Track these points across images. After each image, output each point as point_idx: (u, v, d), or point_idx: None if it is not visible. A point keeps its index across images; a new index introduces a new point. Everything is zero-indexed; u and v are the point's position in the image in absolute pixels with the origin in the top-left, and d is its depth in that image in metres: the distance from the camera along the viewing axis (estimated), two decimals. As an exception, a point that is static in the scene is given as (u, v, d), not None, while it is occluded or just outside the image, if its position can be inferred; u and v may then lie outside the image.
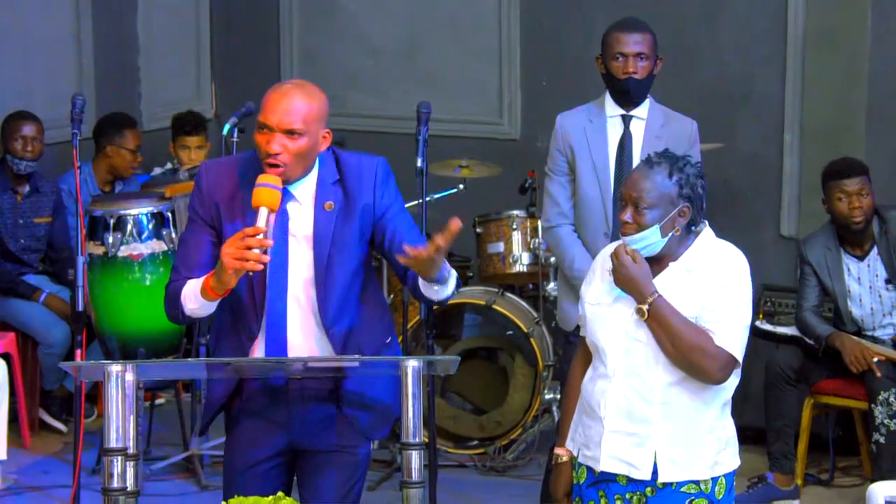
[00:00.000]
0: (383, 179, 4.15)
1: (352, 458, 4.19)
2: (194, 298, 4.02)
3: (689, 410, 3.98)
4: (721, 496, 4.03)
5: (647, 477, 3.97)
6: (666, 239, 3.99)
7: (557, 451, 4.21)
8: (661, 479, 3.96)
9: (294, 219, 4.09)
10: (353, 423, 4.17)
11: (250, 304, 4.08)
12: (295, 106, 3.97)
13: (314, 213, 4.09)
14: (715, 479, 4.02)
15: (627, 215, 3.98)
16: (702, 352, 3.92)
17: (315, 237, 4.08)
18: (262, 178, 3.96)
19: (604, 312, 4.05)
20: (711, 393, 4.01)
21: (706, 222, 4.09)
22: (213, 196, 4.08)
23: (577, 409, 4.14)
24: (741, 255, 4.05)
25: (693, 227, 4.04)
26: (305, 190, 4.10)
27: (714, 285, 3.96)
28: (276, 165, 3.97)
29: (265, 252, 3.90)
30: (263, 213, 3.93)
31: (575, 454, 4.12)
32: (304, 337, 4.11)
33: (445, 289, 4.05)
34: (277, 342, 4.10)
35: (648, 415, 3.96)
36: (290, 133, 3.97)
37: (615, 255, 3.99)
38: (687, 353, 3.92)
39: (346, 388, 4.15)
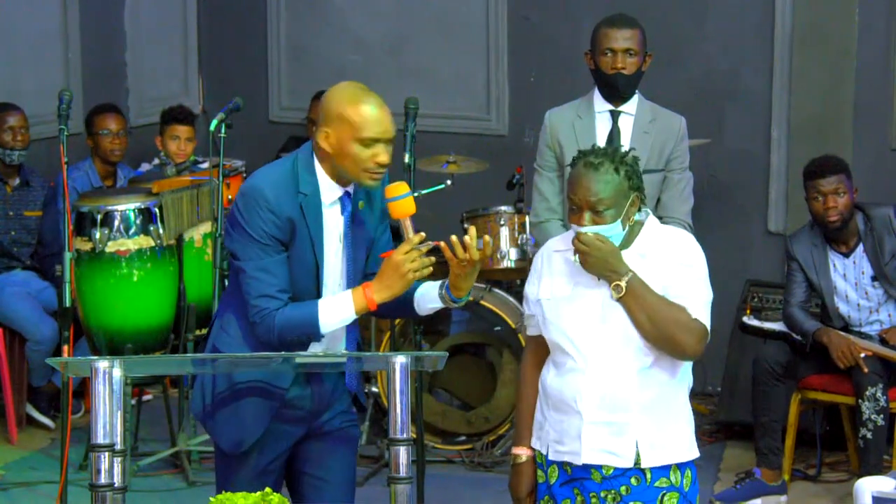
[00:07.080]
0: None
1: (355, 434, 4.33)
2: (338, 314, 4.07)
3: (663, 393, 3.97)
4: (688, 488, 4.02)
5: (630, 464, 3.95)
6: (625, 231, 3.98)
7: (516, 451, 4.17)
8: (644, 464, 3.95)
9: (329, 218, 4.14)
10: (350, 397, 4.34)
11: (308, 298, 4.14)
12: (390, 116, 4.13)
13: (347, 212, 4.16)
14: (682, 472, 4.01)
15: (586, 220, 3.93)
16: (680, 324, 3.91)
17: (353, 237, 4.15)
18: (390, 192, 4.10)
19: (564, 306, 4.01)
20: (680, 374, 4.01)
21: (649, 211, 4.08)
22: (285, 212, 4.06)
23: (538, 407, 4.10)
24: (692, 237, 4.07)
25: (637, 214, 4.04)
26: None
27: (674, 266, 3.96)
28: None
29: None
30: (407, 223, 4.09)
31: (543, 452, 4.08)
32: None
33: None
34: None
35: (626, 402, 3.94)
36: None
37: (578, 240, 3.93)
38: (665, 327, 3.90)
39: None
